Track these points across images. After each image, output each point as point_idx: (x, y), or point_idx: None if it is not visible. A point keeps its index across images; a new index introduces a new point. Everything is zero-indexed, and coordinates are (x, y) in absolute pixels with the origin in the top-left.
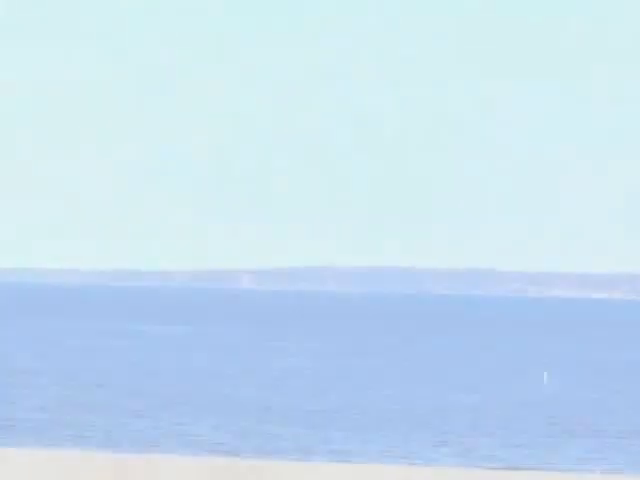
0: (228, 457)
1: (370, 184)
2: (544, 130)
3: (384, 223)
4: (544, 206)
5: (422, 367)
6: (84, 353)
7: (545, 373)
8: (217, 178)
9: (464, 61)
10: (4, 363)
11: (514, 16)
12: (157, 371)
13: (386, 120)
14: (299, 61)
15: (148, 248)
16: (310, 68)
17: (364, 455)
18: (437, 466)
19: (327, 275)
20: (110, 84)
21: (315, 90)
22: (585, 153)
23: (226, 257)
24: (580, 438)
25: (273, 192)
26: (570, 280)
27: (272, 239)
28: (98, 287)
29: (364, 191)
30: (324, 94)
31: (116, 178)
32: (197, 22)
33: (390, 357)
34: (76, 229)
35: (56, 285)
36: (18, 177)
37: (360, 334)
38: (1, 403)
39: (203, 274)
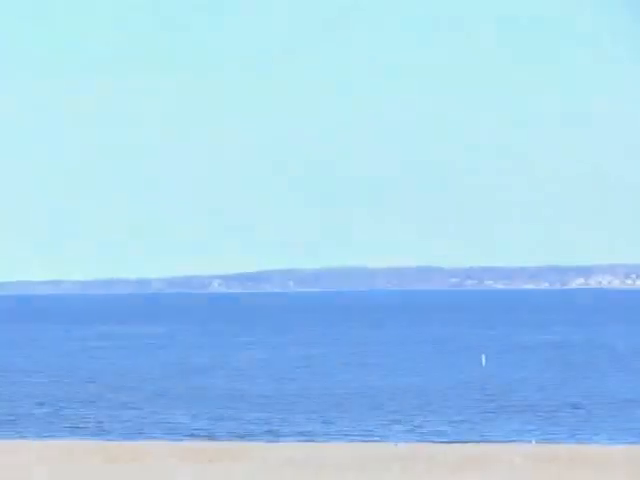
0: (205, 440)
1: (325, 190)
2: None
3: (339, 228)
4: (475, 209)
5: (374, 355)
6: (76, 354)
7: (483, 355)
8: (190, 194)
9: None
10: (4, 364)
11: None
12: (140, 368)
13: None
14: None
15: (124, 258)
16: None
17: (325, 435)
18: (392, 442)
19: (289, 277)
20: None
21: None
22: (500, 148)
23: (197, 264)
24: (515, 413)
25: (239, 202)
26: (500, 273)
27: (238, 246)
28: (81, 296)
29: (318, 198)
30: None
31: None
32: None
33: (345, 347)
34: (57, 242)
35: (40, 296)
36: None
37: (318, 328)
38: (4, 400)
39: (177, 280)
